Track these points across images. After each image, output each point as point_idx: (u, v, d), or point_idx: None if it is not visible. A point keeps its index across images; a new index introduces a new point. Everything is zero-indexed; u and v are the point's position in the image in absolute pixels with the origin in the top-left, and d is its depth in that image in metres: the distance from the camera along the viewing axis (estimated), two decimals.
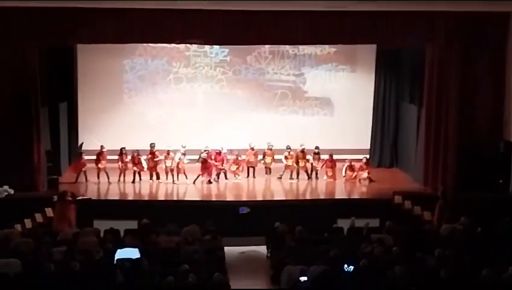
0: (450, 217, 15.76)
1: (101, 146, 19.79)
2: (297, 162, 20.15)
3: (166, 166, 19.67)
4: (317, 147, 20.38)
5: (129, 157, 19.61)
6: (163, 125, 21.89)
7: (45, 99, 19.03)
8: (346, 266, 12.19)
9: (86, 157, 20.24)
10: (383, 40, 19.33)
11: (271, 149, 20.37)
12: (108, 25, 17.71)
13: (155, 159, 19.65)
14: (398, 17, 17.91)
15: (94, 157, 19.90)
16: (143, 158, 19.67)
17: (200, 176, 19.58)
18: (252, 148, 20.36)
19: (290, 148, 20.21)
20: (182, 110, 22.06)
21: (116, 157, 19.91)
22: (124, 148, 19.70)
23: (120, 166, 19.62)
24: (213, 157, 19.83)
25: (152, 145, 19.75)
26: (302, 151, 20.21)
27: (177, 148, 20.00)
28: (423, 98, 19.28)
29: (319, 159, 20.29)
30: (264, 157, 20.41)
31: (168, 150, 19.68)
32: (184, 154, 19.73)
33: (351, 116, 22.28)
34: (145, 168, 19.62)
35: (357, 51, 22.23)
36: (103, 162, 19.63)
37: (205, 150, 19.84)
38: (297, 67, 22.30)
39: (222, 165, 19.88)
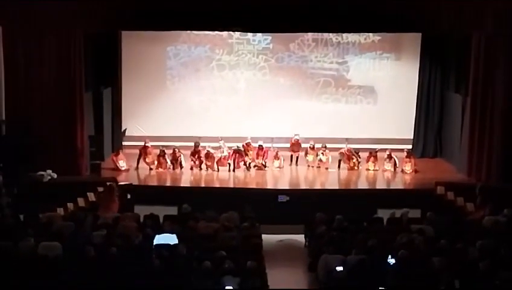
0: (494, 209, 15.47)
1: (145, 141, 19.81)
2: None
3: (206, 165, 19.66)
4: (357, 151, 20.16)
5: (168, 160, 19.56)
6: (205, 111, 21.96)
7: (89, 84, 19.28)
8: (389, 257, 12.09)
9: (128, 143, 20.57)
10: (428, 28, 19.01)
11: (313, 147, 20.22)
12: (153, 12, 17.74)
13: (199, 157, 19.62)
14: (445, 4, 17.56)
15: (137, 143, 20.14)
16: (182, 157, 19.68)
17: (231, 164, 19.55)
18: (297, 141, 20.26)
19: (325, 147, 20.04)
20: (224, 97, 22.07)
21: (158, 143, 20.08)
22: (164, 150, 19.65)
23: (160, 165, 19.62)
24: (256, 149, 19.78)
25: (196, 145, 19.77)
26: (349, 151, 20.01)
27: (217, 136, 20.11)
28: (469, 87, 18.91)
29: (358, 158, 20.02)
30: (306, 155, 20.24)
31: (209, 151, 19.62)
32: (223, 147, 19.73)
33: (395, 105, 22.00)
34: (183, 166, 19.64)
35: (401, 39, 21.91)
36: (150, 156, 19.63)
37: (246, 143, 19.79)
38: (340, 55, 22.08)
39: (264, 160, 19.77)
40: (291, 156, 20.37)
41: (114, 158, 19.58)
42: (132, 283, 10.80)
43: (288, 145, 20.78)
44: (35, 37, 17.70)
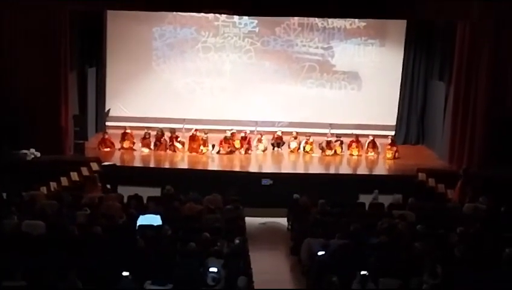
0: (474, 196, 15.67)
1: (125, 128, 19.79)
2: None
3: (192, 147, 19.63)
4: (339, 135, 20.35)
5: (152, 142, 19.60)
6: (190, 93, 21.95)
7: (74, 63, 19.20)
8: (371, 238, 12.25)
9: (112, 124, 20.75)
10: (413, 15, 19.10)
11: (296, 137, 20.30)
12: None
13: (177, 142, 19.67)
14: None
15: (120, 124, 20.19)
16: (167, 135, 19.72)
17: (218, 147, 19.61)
18: (280, 136, 20.35)
19: (309, 136, 20.20)
20: (209, 79, 22.03)
21: (142, 124, 20.28)
22: (149, 132, 19.68)
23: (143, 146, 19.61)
24: (239, 140, 19.79)
25: (172, 131, 19.81)
26: (328, 142, 20.07)
27: (201, 118, 20.20)
28: (452, 75, 19.06)
29: (341, 144, 20.15)
30: (289, 146, 20.26)
31: (194, 134, 19.63)
32: (213, 145, 19.64)
33: (379, 91, 22.09)
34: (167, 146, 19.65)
35: (387, 25, 21.98)
36: (128, 141, 19.58)
37: (231, 132, 19.80)
38: (326, 40, 22.11)
39: (248, 149, 19.77)
40: (273, 144, 20.39)
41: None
42: (116, 263, 10.83)
43: (272, 128, 20.90)
44: (21, 15, 17.53)
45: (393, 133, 21.58)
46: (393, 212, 14.29)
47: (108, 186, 16.19)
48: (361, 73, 22.26)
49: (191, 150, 19.52)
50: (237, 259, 11.46)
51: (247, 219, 14.90)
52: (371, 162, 19.71)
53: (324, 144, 19.97)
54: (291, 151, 20.18)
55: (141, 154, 19.33)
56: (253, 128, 21.08)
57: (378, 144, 20.08)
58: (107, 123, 21.43)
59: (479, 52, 18.06)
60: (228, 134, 19.66)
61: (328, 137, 20.41)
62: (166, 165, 18.69)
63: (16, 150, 17.33)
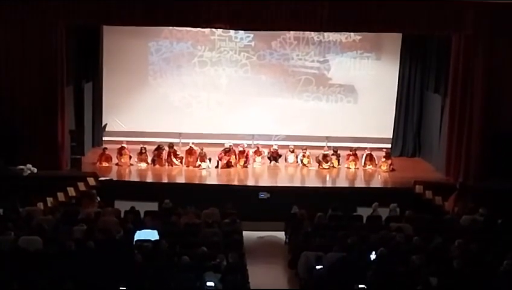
0: (472, 208, 15.67)
1: (122, 143, 19.74)
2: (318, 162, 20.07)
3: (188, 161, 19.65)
4: (335, 149, 20.38)
5: (149, 157, 19.57)
6: (186, 107, 21.97)
7: (70, 78, 19.22)
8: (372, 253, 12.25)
9: (108, 139, 20.80)
10: (409, 28, 19.19)
11: (293, 150, 20.37)
12: (135, 7, 17.72)
13: (175, 156, 19.63)
14: (426, 5, 17.73)
15: (117, 138, 20.23)
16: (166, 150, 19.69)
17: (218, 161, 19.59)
18: (276, 150, 20.36)
19: (305, 149, 20.23)
20: (205, 93, 22.05)
21: (138, 139, 20.34)
22: (145, 148, 19.67)
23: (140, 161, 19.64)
24: (237, 152, 19.75)
25: (170, 146, 19.74)
26: (325, 156, 20.08)
27: (198, 132, 20.17)
28: (448, 87, 19.12)
29: (338, 157, 20.17)
30: (286, 160, 20.28)
31: (191, 147, 19.67)
32: (210, 159, 19.64)
33: (375, 104, 22.13)
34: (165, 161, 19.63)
35: (382, 38, 22.03)
36: (125, 156, 19.56)
37: (229, 145, 19.77)
38: (321, 54, 22.16)
39: (245, 163, 19.75)
40: (269, 157, 20.41)
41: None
42: (114, 277, 10.79)
43: (269, 142, 21.00)
44: (17, 30, 17.58)
45: (389, 145, 21.59)
46: (391, 224, 14.28)
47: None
48: (357, 86, 22.29)
49: (187, 164, 19.52)
50: (235, 273, 11.43)
51: (245, 233, 14.85)
52: (368, 175, 19.73)
53: (321, 157, 19.99)
54: (290, 164, 20.18)
55: (138, 169, 19.32)
56: (249, 142, 21.08)
57: (375, 156, 20.09)
58: (104, 138, 21.42)
59: (474, 65, 18.15)
60: (226, 146, 19.63)
61: (324, 150, 20.43)
62: (164, 180, 18.74)
63: (13, 166, 17.32)
